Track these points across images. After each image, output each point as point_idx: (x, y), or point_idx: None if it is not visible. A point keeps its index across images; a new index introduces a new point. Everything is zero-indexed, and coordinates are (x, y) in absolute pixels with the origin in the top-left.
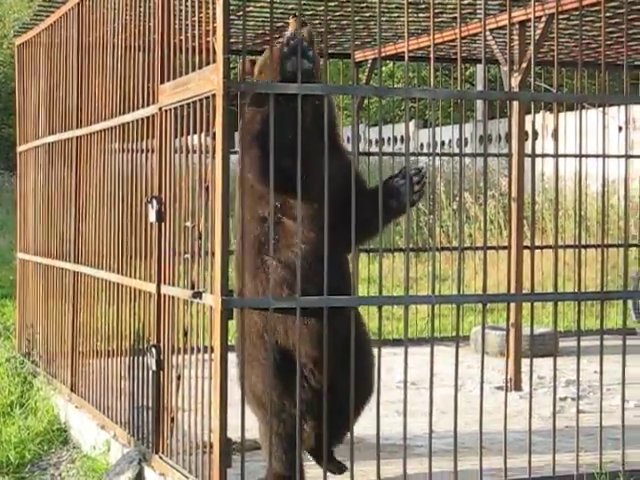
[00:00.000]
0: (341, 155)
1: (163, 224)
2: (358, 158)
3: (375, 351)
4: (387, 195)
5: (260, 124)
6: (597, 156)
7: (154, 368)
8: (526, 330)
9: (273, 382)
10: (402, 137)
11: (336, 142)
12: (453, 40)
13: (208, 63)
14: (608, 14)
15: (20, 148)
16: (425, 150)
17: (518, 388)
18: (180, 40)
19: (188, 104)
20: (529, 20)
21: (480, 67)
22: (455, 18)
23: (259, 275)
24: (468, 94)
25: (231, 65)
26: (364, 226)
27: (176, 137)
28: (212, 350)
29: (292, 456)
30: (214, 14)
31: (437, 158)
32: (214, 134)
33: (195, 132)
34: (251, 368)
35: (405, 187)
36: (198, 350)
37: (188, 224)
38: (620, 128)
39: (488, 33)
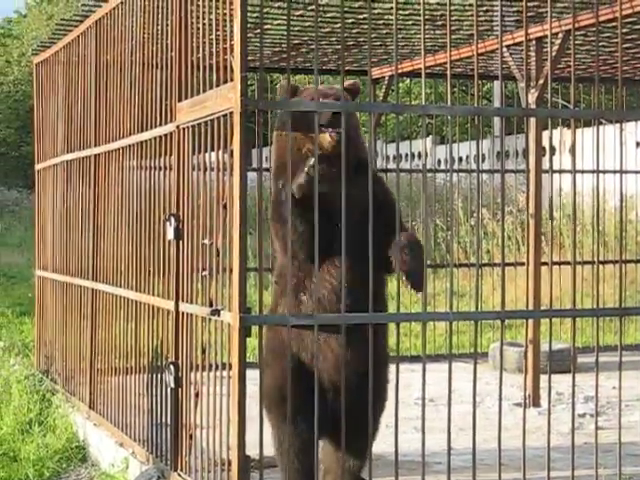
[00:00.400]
0: (368, 176)
1: (181, 241)
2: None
3: (393, 368)
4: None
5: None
6: (615, 172)
7: (172, 385)
8: (544, 346)
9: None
10: (419, 153)
11: (362, 162)
12: (470, 57)
13: (226, 81)
14: (625, 30)
15: (38, 166)
16: (442, 166)
17: (537, 404)
18: (197, 58)
19: (206, 122)
20: (546, 36)
21: (497, 83)
22: (472, 35)
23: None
24: (485, 111)
25: (249, 82)
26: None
27: (194, 154)
28: (230, 367)
29: (306, 470)
30: (231, 32)
31: (454, 174)
32: (232, 151)
33: (213, 149)
34: (272, 380)
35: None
36: (216, 367)
37: (206, 241)
38: (638, 144)
39: (505, 49)
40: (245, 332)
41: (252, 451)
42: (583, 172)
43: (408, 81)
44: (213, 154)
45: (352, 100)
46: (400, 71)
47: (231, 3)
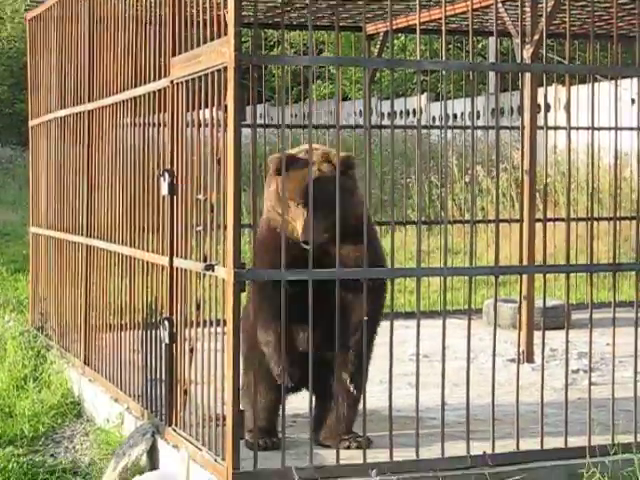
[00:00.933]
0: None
1: (175, 197)
2: (370, 132)
3: (387, 324)
4: None
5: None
6: (610, 129)
7: (167, 341)
8: (538, 302)
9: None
10: (414, 110)
11: (358, 222)
12: (465, 12)
13: (220, 36)
14: None
15: (32, 122)
16: (437, 123)
17: (530, 360)
18: (191, 13)
19: (200, 77)
20: None
21: (492, 40)
22: None
23: None
24: (480, 66)
25: (243, 39)
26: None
27: (188, 110)
28: (224, 323)
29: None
30: None
31: (449, 131)
32: (226, 107)
33: (207, 105)
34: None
35: None
36: (211, 323)
37: (200, 197)
38: (633, 100)
39: (500, 5)
40: (239, 287)
41: None
42: (578, 129)
43: (403, 38)
44: (207, 109)
45: (343, 175)
46: (395, 27)
47: None
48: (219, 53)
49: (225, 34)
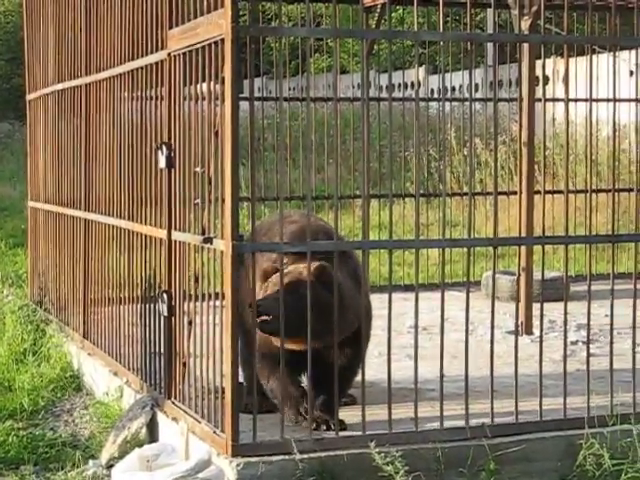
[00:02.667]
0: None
1: (173, 170)
2: (368, 104)
3: (386, 296)
4: None
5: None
6: (608, 100)
7: (165, 314)
8: (537, 274)
9: None
10: (412, 83)
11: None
12: None
13: (217, 8)
14: None
15: (29, 96)
16: (435, 96)
17: (529, 332)
18: None
19: (197, 49)
20: None
21: (490, 11)
22: None
23: None
24: (478, 36)
25: (240, 12)
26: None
27: (185, 84)
28: (223, 296)
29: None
30: None
31: (447, 104)
32: (223, 79)
33: (204, 78)
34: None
35: None
36: (209, 296)
37: (198, 170)
38: (632, 72)
39: None
40: (238, 259)
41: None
42: (576, 101)
43: (401, 10)
44: (205, 83)
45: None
46: None
47: None
48: (216, 25)
49: (222, 6)
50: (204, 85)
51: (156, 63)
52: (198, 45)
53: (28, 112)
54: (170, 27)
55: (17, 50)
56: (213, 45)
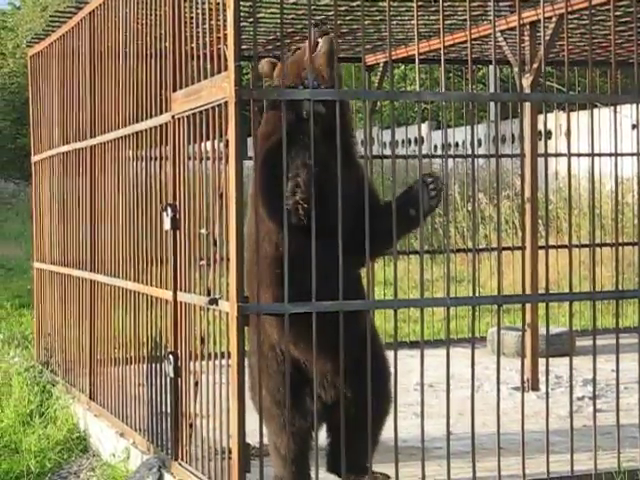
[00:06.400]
0: (355, 165)
1: (178, 231)
2: (372, 162)
3: (391, 354)
4: (406, 204)
5: (271, 145)
6: (610, 155)
7: (172, 375)
8: (542, 330)
9: (283, 396)
10: (415, 139)
11: (350, 152)
12: (464, 42)
13: (220, 70)
14: (618, 13)
15: (35, 158)
16: (439, 152)
17: (535, 388)
18: (192, 48)
19: (201, 112)
20: (539, 21)
21: (492, 68)
22: (465, 20)
23: (273, 289)
24: (479, 96)
25: (243, 71)
26: (379, 238)
27: (189, 144)
28: (229, 356)
29: (300, 470)
30: (225, 21)
31: (450, 160)
32: (227, 141)
33: (208, 139)
34: (262, 381)
35: (423, 194)
36: (215, 356)
37: (203, 231)
38: (633, 126)
39: (499, 34)
40: (243, 320)
41: (252, 439)
42: (579, 155)
43: (403, 67)
44: (209, 144)
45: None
46: (394, 57)
47: None
48: (220, 88)
49: (225, 69)
50: (208, 144)
51: (160, 125)
52: (202, 108)
53: (33, 174)
54: (174, 89)
55: (22, 110)
56: (217, 107)
